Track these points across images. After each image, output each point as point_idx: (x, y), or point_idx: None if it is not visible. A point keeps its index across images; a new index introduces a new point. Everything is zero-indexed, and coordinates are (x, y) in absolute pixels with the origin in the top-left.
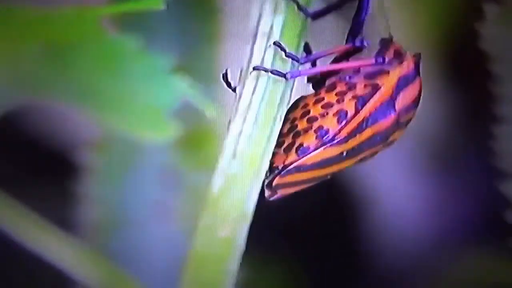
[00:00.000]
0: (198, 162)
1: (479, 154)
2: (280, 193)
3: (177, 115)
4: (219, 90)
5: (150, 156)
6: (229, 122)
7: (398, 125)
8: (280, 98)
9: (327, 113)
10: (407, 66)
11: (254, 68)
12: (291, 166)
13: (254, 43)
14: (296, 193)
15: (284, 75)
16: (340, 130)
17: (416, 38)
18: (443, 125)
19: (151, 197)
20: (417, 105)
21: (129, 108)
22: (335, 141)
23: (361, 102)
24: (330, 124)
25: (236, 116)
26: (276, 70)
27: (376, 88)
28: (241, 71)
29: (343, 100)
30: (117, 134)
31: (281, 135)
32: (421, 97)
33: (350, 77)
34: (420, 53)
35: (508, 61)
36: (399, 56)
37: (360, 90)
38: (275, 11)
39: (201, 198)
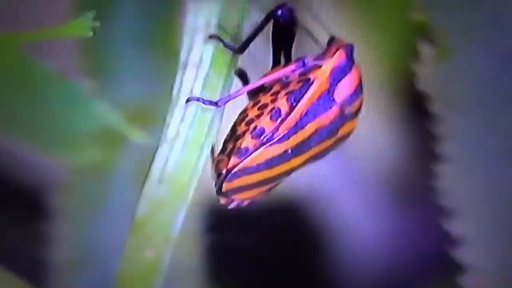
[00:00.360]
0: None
1: (427, 192)
2: (237, 199)
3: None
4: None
5: (118, 195)
6: (156, 148)
7: (344, 117)
8: (209, 126)
9: (262, 114)
10: (339, 57)
11: (187, 100)
12: (235, 170)
13: (184, 73)
14: (257, 226)
15: (215, 104)
16: (277, 128)
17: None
18: (401, 163)
19: (119, 237)
20: (360, 93)
21: (48, 132)
22: (275, 140)
23: (293, 97)
24: (265, 123)
25: (164, 143)
26: (209, 100)
27: (308, 82)
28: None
29: (276, 99)
30: (85, 175)
31: (225, 141)
32: (363, 85)
33: (286, 77)
34: (352, 44)
35: (444, 101)
36: (335, 50)
37: (292, 86)
38: (205, 41)
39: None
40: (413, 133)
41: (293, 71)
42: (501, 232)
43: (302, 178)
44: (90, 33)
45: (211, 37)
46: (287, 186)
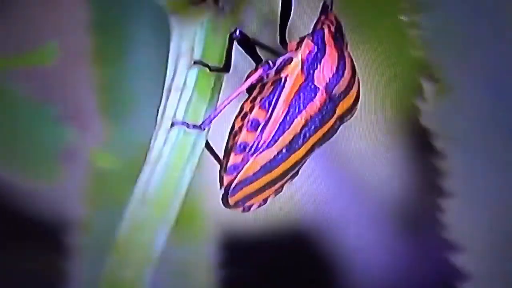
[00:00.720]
0: (182, 237)
1: (432, 225)
2: (252, 203)
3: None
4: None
5: None
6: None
7: (334, 99)
8: (191, 149)
9: (242, 125)
10: (306, 47)
11: (172, 124)
12: (233, 185)
13: (167, 97)
14: (267, 251)
15: (200, 127)
16: (260, 137)
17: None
18: (406, 195)
19: None
20: (344, 70)
21: (18, 153)
22: (261, 148)
23: (267, 103)
24: (245, 136)
25: (147, 165)
26: (193, 125)
27: (280, 82)
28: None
29: (253, 108)
30: (101, 214)
31: (223, 153)
32: (345, 60)
33: (267, 76)
34: (322, 29)
35: (447, 137)
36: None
37: (266, 91)
38: (189, 66)
39: (185, 273)
40: (417, 167)
41: (261, 75)
42: (504, 266)
43: (311, 208)
44: (52, 62)
45: (195, 63)
46: (296, 217)
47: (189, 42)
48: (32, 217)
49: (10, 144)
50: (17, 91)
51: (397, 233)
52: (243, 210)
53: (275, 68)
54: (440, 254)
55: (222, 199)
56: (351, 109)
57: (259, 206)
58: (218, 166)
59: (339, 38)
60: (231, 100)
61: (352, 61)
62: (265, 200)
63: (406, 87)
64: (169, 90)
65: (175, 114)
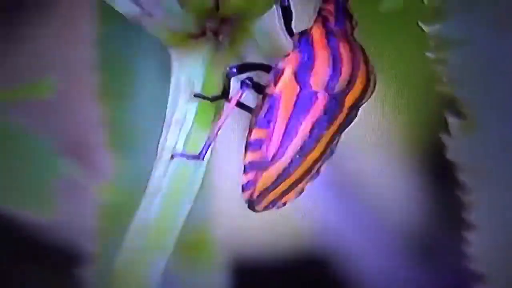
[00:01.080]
0: (192, 264)
1: (455, 256)
2: (285, 201)
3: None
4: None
5: None
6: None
7: (337, 96)
8: (191, 178)
9: (248, 144)
10: (294, 58)
11: (172, 156)
12: (254, 197)
13: (168, 130)
14: (277, 277)
15: (198, 157)
16: (265, 154)
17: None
18: (425, 224)
19: None
20: (341, 66)
21: (14, 186)
22: (271, 162)
23: (267, 122)
24: (252, 157)
25: (146, 196)
26: (192, 156)
27: (274, 99)
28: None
29: (253, 127)
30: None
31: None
32: (340, 55)
33: (269, 82)
34: (301, 34)
35: (472, 171)
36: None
37: (263, 109)
38: (189, 98)
39: None
40: (438, 198)
41: (241, 95)
42: None
43: (323, 234)
44: (50, 96)
45: (195, 96)
46: (308, 242)
47: (189, 75)
48: (40, 250)
49: (11, 178)
50: (19, 125)
51: (415, 263)
52: (278, 208)
53: (273, 80)
54: (460, 285)
55: (248, 208)
56: (361, 97)
57: (296, 197)
58: (226, 195)
59: (337, 30)
60: (221, 125)
61: (352, 49)
62: (300, 191)
63: (430, 121)
64: (169, 123)
65: (175, 146)
